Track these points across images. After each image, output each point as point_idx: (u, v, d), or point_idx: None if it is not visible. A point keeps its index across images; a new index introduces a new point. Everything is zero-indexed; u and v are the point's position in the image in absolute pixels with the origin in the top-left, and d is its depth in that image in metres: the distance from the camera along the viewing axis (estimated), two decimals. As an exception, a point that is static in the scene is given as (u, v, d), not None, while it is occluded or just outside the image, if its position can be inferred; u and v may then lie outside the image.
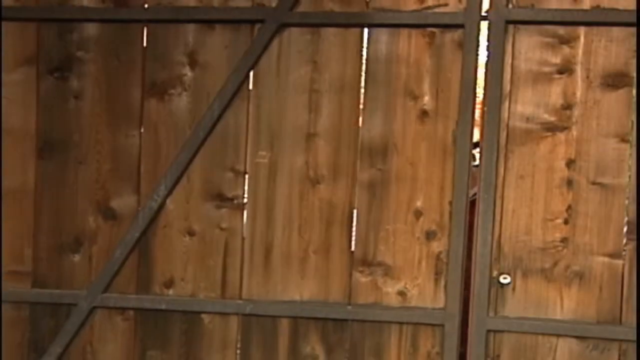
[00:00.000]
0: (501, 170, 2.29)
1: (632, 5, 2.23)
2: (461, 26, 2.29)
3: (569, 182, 2.27)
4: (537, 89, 2.28)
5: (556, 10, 2.26)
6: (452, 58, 2.30)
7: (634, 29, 2.23)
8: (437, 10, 2.30)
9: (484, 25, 2.30)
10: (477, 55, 2.30)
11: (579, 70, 2.26)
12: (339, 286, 2.37)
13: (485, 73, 2.31)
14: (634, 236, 2.25)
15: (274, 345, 2.40)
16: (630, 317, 2.25)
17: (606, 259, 2.26)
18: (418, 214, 2.33)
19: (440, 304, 2.33)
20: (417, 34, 2.31)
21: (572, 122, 2.27)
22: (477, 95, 2.34)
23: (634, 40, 2.23)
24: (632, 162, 2.24)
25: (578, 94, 2.26)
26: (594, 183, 2.26)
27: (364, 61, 2.34)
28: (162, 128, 2.41)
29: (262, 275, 2.39)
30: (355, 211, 2.35)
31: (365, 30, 2.34)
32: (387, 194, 2.33)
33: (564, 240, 2.27)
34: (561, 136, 2.27)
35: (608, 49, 2.25)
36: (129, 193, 2.43)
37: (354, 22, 2.33)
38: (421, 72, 2.31)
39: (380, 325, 2.35)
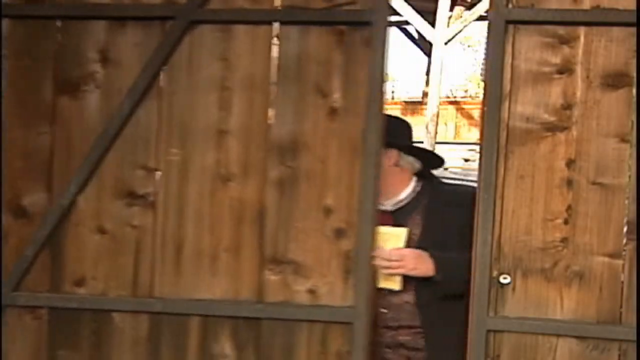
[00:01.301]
0: (501, 170, 2.29)
1: (632, 5, 2.23)
2: (369, 24, 2.29)
3: (569, 182, 2.27)
4: (537, 89, 2.28)
5: (556, 10, 2.26)
6: (360, 56, 2.30)
7: (634, 29, 2.23)
8: (345, 8, 2.30)
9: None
10: (384, 52, 2.30)
11: (579, 70, 2.26)
12: (249, 284, 2.36)
13: (485, 73, 2.31)
14: (634, 236, 2.25)
15: (184, 344, 2.38)
16: (630, 317, 2.25)
17: (606, 259, 2.26)
18: (328, 212, 2.32)
19: (350, 302, 2.31)
20: (327, 31, 2.32)
21: (572, 122, 2.27)
22: (385, 92, 2.35)
23: (634, 40, 2.23)
24: (632, 162, 2.24)
25: (578, 94, 2.26)
26: (594, 183, 2.26)
27: (274, 59, 2.34)
28: (74, 125, 2.40)
29: (173, 274, 2.38)
30: (265, 209, 2.34)
31: (276, 27, 2.34)
32: (297, 192, 2.33)
33: (564, 240, 2.27)
34: (561, 136, 2.27)
35: (608, 49, 2.25)
36: (40, 191, 2.41)
37: (263, 20, 2.34)
38: (331, 69, 2.32)
39: (291, 324, 2.34)
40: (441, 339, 2.61)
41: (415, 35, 19.99)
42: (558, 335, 2.29)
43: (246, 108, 2.34)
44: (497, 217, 2.29)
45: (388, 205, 2.67)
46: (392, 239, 2.58)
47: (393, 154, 2.65)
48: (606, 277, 2.27)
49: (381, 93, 2.29)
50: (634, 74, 2.23)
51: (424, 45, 18.80)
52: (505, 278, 2.30)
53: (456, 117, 18.07)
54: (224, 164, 2.35)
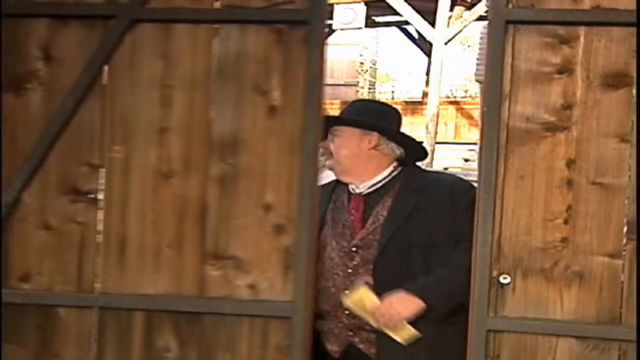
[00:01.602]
0: (501, 170, 2.29)
1: (632, 5, 2.23)
2: (306, 23, 2.30)
3: (569, 182, 2.27)
4: (537, 89, 2.28)
5: (556, 10, 2.26)
6: (299, 54, 2.33)
7: (634, 29, 2.23)
8: (283, 7, 2.33)
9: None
10: (322, 51, 2.31)
11: (579, 70, 2.26)
12: (191, 280, 2.38)
13: (485, 73, 2.31)
14: (634, 236, 2.25)
15: (128, 338, 2.40)
16: (630, 317, 2.25)
17: (606, 259, 2.26)
18: (267, 208, 2.35)
19: (289, 297, 2.34)
20: (266, 30, 2.34)
21: (572, 122, 2.27)
22: (324, 90, 2.37)
23: (634, 40, 2.23)
24: (632, 162, 2.24)
25: (578, 94, 2.26)
26: (594, 183, 2.26)
27: (214, 57, 2.36)
28: (18, 122, 2.42)
29: (117, 269, 2.40)
30: (207, 205, 2.37)
31: (216, 26, 2.37)
32: (238, 189, 2.36)
33: (564, 240, 2.27)
34: (561, 136, 2.27)
35: (608, 49, 2.25)
36: None
37: (203, 19, 2.37)
38: (270, 68, 2.34)
39: (232, 318, 2.37)
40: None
41: (415, 35, 20.00)
42: (558, 335, 2.29)
43: (187, 106, 2.37)
44: (497, 217, 2.29)
45: (362, 188, 2.67)
46: (364, 300, 2.54)
47: (373, 137, 2.65)
48: (606, 277, 2.27)
49: (319, 91, 2.32)
50: (634, 74, 2.23)
51: (424, 45, 18.80)
52: (505, 278, 2.30)
53: (456, 117, 18.07)
54: (165, 160, 2.38)
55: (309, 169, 2.32)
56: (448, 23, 14.90)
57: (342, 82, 23.56)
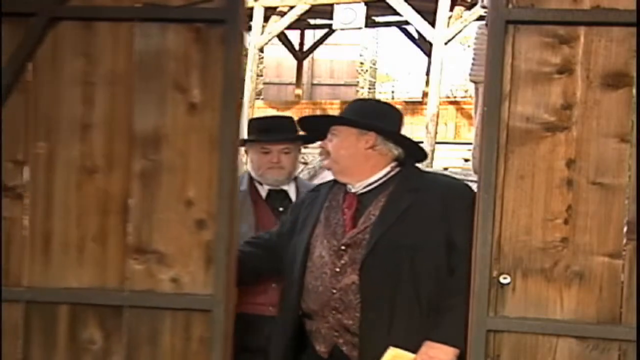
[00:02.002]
0: (501, 170, 2.29)
1: (632, 5, 2.23)
2: (223, 22, 2.32)
3: (569, 182, 2.27)
4: (537, 89, 2.28)
5: (556, 10, 2.26)
6: (217, 53, 2.36)
7: (634, 29, 2.23)
8: (201, 6, 2.37)
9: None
10: (239, 50, 2.35)
11: (579, 70, 2.26)
12: (115, 273, 2.41)
13: (485, 73, 2.31)
14: (634, 236, 2.25)
15: (54, 331, 2.43)
16: (630, 317, 2.25)
17: (606, 259, 2.26)
18: (189, 203, 2.38)
19: (210, 290, 2.37)
20: (185, 29, 2.38)
21: (572, 122, 2.27)
22: (242, 88, 2.40)
23: (634, 40, 2.23)
24: (632, 162, 2.24)
25: (578, 94, 2.26)
26: (594, 183, 2.26)
27: (135, 55, 2.39)
28: None
29: (42, 264, 2.43)
30: (130, 200, 2.40)
31: (136, 24, 2.40)
32: (160, 184, 2.39)
33: (564, 240, 2.27)
34: (561, 136, 2.27)
35: (608, 49, 2.25)
36: None
37: (124, 17, 2.39)
38: (189, 66, 2.38)
39: (155, 311, 2.40)
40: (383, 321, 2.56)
41: (415, 35, 19.99)
42: (558, 335, 2.28)
43: (109, 103, 2.40)
44: (497, 217, 2.29)
45: (357, 187, 2.67)
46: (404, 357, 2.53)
47: (370, 137, 2.65)
48: (606, 277, 2.27)
49: (237, 89, 2.36)
50: (634, 74, 2.23)
51: (424, 45, 18.79)
52: (505, 278, 2.30)
53: (456, 117, 18.07)
54: (89, 156, 2.41)
55: (228, 165, 2.36)
56: (448, 23, 14.90)
57: (342, 82, 23.56)
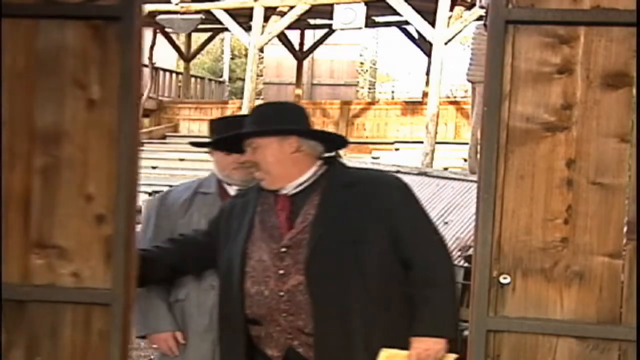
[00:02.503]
0: (501, 170, 2.29)
1: (632, 5, 2.23)
2: (119, 18, 2.33)
3: (569, 182, 2.27)
4: (537, 89, 2.28)
5: (556, 10, 2.26)
6: (114, 49, 2.37)
7: (634, 29, 2.23)
8: (98, 3, 2.39)
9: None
10: (136, 47, 2.38)
11: (579, 70, 2.26)
12: (16, 268, 2.42)
13: (485, 73, 2.31)
14: (634, 236, 2.25)
15: None
16: (630, 317, 2.25)
17: (606, 259, 2.26)
18: (89, 198, 2.39)
19: (109, 285, 2.38)
20: (83, 25, 2.39)
21: (572, 122, 2.27)
22: (141, 84, 2.46)
23: (634, 40, 2.23)
24: (632, 162, 2.24)
25: (578, 94, 2.26)
26: (594, 183, 2.26)
27: (35, 51, 2.40)
28: None
29: None
30: (30, 196, 2.41)
31: (36, 20, 2.41)
32: (60, 179, 2.40)
33: (564, 240, 2.27)
34: (561, 136, 2.27)
35: (608, 49, 2.25)
36: None
37: (23, 13, 2.40)
38: (88, 62, 2.39)
39: (56, 305, 2.41)
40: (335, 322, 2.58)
41: (415, 35, 19.98)
42: (558, 335, 2.28)
43: (10, 99, 2.40)
44: (497, 217, 2.29)
45: (289, 188, 2.69)
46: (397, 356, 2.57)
47: (293, 140, 2.67)
48: (606, 277, 2.27)
49: (135, 85, 2.39)
50: (634, 74, 2.23)
51: (424, 45, 18.79)
52: (505, 278, 2.30)
53: (456, 117, 18.08)
54: None
55: (127, 160, 2.38)
56: (448, 23, 14.91)
57: (342, 82, 23.56)
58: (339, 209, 2.61)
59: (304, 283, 2.57)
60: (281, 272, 2.61)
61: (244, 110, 16.92)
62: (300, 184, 2.67)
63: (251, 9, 16.70)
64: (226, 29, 19.88)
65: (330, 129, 19.95)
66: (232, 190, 3.18)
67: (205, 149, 3.24)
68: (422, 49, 19.98)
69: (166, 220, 3.15)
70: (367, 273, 2.56)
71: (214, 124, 3.28)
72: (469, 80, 9.14)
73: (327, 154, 2.76)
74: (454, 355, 2.58)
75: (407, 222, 2.60)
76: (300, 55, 22.22)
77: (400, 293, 2.60)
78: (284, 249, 2.62)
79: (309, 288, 2.56)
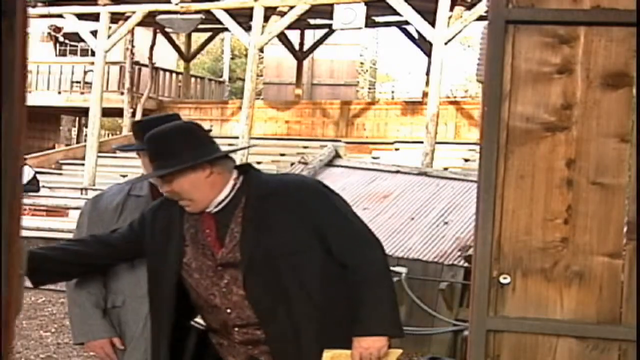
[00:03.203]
0: (501, 170, 2.29)
1: (632, 5, 2.23)
2: (1, 12, 2.36)
3: (569, 182, 2.27)
4: (537, 89, 2.28)
5: (556, 10, 2.26)
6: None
7: (634, 29, 2.23)
8: None
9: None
10: (21, 41, 2.40)
11: (579, 70, 2.26)
12: None
13: (485, 73, 2.31)
14: (634, 236, 2.25)
15: None
16: (630, 317, 2.25)
17: (606, 259, 2.26)
18: None
19: None
20: None
21: (572, 122, 2.27)
22: (26, 81, 2.44)
23: (634, 40, 2.23)
24: (632, 162, 2.24)
25: (578, 94, 2.26)
26: (594, 183, 2.26)
27: None
28: None
29: None
30: None
31: None
32: None
33: (564, 240, 2.27)
34: (561, 136, 2.27)
35: (608, 49, 2.25)
36: None
37: None
38: None
39: None
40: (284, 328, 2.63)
41: (415, 35, 19.96)
42: (558, 335, 2.28)
43: None
44: (497, 217, 2.29)
45: (211, 208, 2.67)
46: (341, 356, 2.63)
47: (204, 166, 2.63)
48: (606, 277, 2.27)
49: (19, 80, 2.39)
50: (634, 74, 2.23)
51: (424, 45, 18.78)
52: (505, 278, 2.30)
53: (456, 117, 18.08)
54: None
55: (10, 157, 2.39)
56: (448, 23, 14.90)
57: (342, 82, 23.54)
58: (261, 223, 2.62)
59: (247, 297, 2.61)
60: (224, 289, 2.64)
61: (244, 110, 16.92)
62: (221, 202, 2.66)
63: (251, 9, 16.69)
64: (226, 29, 19.87)
65: (330, 129, 19.94)
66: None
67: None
68: (422, 49, 19.97)
69: (99, 226, 3.07)
70: (305, 281, 2.59)
71: (137, 127, 3.15)
72: (478, 81, 9.14)
73: (238, 164, 2.77)
74: (399, 351, 2.64)
75: (328, 226, 2.62)
76: (300, 55, 22.20)
77: (347, 292, 2.64)
78: (220, 268, 2.64)
79: (252, 304, 2.60)
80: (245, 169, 2.74)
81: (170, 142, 2.69)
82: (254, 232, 2.62)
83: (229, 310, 2.63)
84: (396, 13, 16.08)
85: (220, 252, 2.64)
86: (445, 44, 14.89)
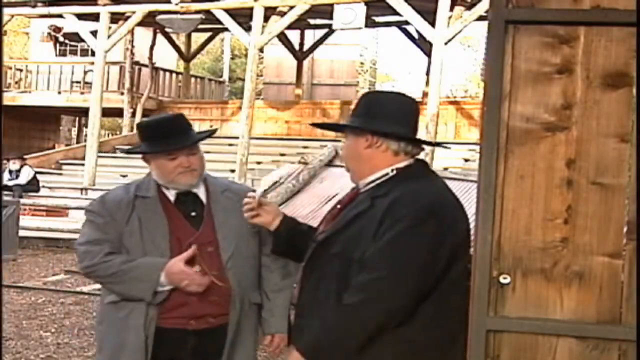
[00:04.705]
0: (501, 170, 2.29)
1: (632, 5, 2.23)
2: None
3: (569, 182, 2.27)
4: (537, 89, 2.28)
5: (556, 10, 2.26)
6: None
7: (634, 29, 2.23)
8: None
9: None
10: None
11: (579, 70, 2.26)
12: None
13: (485, 73, 2.31)
14: (634, 236, 2.24)
15: None
16: (630, 317, 2.25)
17: (606, 259, 2.26)
18: None
19: None
20: None
21: (572, 122, 2.27)
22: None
23: (634, 40, 2.23)
24: (632, 162, 2.24)
25: (578, 94, 2.26)
26: (594, 183, 2.26)
27: None
28: None
29: None
30: None
31: None
32: None
33: (564, 240, 2.27)
34: (561, 136, 2.27)
35: (608, 49, 2.25)
36: None
37: None
38: None
39: None
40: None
41: (415, 35, 19.94)
42: (558, 335, 2.28)
43: None
44: (497, 217, 2.29)
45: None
46: None
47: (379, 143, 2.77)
48: (606, 277, 2.27)
49: None
50: (634, 74, 2.23)
51: (424, 45, 18.76)
52: (505, 278, 2.30)
53: (456, 117, 18.07)
54: None
55: None
56: (448, 23, 14.90)
57: (342, 82, 23.52)
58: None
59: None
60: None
61: (244, 110, 16.91)
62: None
63: (251, 9, 16.69)
64: (226, 29, 19.87)
65: (330, 129, 19.90)
66: (171, 195, 3.12)
67: (139, 155, 3.17)
68: (422, 49, 19.95)
69: (112, 225, 3.06)
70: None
71: (144, 129, 3.14)
72: (483, 80, 9.13)
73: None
74: None
75: (376, 249, 2.64)
76: (300, 55, 22.19)
77: None
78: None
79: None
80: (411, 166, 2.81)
81: (385, 106, 2.79)
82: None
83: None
84: (396, 13, 16.08)
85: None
86: (445, 44, 14.89)
